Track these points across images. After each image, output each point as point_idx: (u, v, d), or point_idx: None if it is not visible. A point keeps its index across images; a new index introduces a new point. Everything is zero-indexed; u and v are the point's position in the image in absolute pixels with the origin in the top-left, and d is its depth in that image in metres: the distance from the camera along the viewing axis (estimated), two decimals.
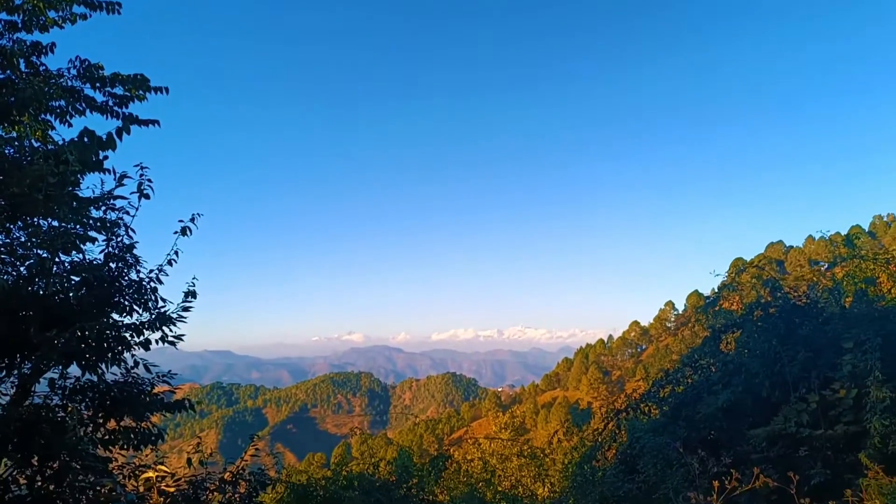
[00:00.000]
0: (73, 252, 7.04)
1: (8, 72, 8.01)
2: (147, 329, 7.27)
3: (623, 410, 14.00)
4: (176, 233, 7.50)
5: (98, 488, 5.94)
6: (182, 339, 7.57)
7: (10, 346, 6.33)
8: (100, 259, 7.20)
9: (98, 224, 7.22)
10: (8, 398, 6.50)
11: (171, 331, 7.46)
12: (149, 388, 7.31)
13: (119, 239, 7.27)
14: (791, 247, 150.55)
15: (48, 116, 8.31)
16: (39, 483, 5.91)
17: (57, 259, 6.86)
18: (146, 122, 8.49)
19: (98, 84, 8.38)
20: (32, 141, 7.92)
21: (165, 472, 4.38)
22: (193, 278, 7.77)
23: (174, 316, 7.45)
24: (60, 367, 6.71)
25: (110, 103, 8.51)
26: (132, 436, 7.16)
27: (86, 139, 7.45)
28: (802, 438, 8.58)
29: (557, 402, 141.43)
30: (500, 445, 22.28)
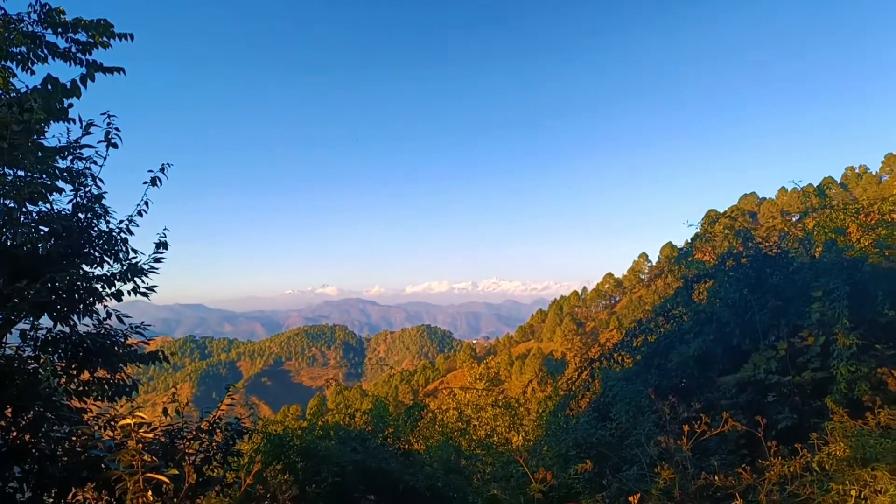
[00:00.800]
0: (41, 202, 6.89)
1: None
2: (118, 280, 7.19)
3: (596, 360, 14.23)
4: (146, 183, 7.37)
5: (73, 438, 5.92)
6: (154, 291, 7.51)
7: None
8: (68, 209, 7.07)
9: (65, 174, 7.06)
10: None
11: (142, 282, 7.39)
12: (122, 340, 7.25)
13: (87, 189, 7.13)
14: (764, 198, 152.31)
15: (9, 63, 8.02)
16: (14, 434, 5.87)
17: (24, 209, 6.70)
18: (111, 70, 8.22)
19: (60, 30, 8.07)
20: None
21: (143, 418, 4.35)
22: (164, 229, 7.69)
23: (146, 267, 7.37)
24: (32, 318, 6.63)
25: (73, 50, 8.23)
26: (106, 387, 7.13)
27: (49, 86, 7.23)
28: (771, 385, 8.79)
29: (532, 353, 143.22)
30: (475, 396, 22.57)
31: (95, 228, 7.16)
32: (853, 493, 4.65)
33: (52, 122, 7.24)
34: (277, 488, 9.74)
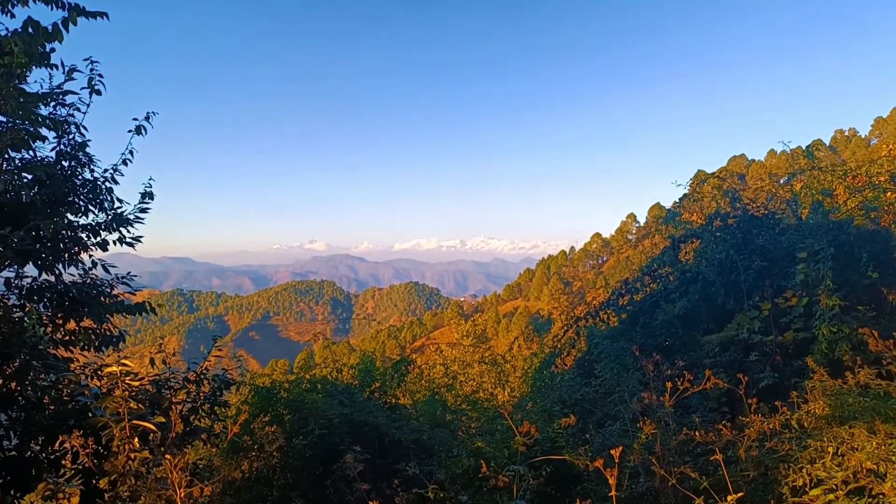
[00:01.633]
0: (24, 150, 6.79)
1: None
2: (104, 230, 7.15)
3: (582, 318, 14.34)
4: (130, 131, 7.28)
5: (60, 386, 5.93)
6: (140, 241, 7.46)
7: None
8: (52, 157, 6.98)
9: (48, 121, 6.94)
10: None
11: (128, 232, 7.35)
12: (108, 290, 7.24)
13: (71, 137, 7.04)
14: (753, 160, 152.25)
15: None
16: (0, 381, 5.88)
17: (7, 156, 6.61)
18: (94, 14, 8.02)
19: None
20: None
21: (129, 367, 4.35)
22: (150, 179, 7.61)
23: (131, 217, 7.33)
24: (16, 267, 6.59)
25: None
26: (93, 337, 7.13)
27: (30, 30, 7.05)
28: (753, 344, 8.90)
29: (519, 311, 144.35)
30: (461, 352, 22.70)
31: (80, 177, 7.09)
32: (830, 449, 4.72)
33: (33, 66, 7.08)
34: (265, 439, 9.83)
